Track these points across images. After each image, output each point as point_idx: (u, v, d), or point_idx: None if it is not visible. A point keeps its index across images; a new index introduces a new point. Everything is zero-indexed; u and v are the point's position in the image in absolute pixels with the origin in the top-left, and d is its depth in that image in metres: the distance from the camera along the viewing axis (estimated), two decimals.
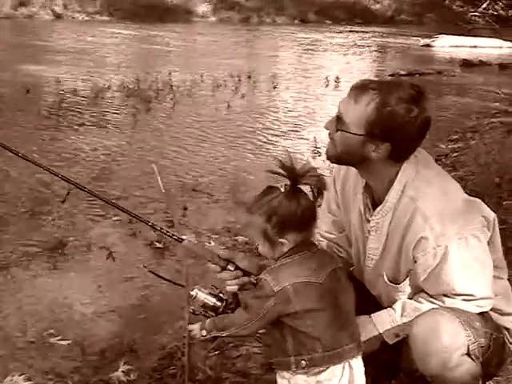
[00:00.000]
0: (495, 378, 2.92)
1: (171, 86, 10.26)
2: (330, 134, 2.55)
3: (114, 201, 2.82)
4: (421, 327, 2.42)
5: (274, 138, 7.87)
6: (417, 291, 2.57)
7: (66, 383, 3.16)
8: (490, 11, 25.77)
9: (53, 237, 4.74)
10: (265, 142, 7.66)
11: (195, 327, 2.46)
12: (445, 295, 2.49)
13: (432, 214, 2.45)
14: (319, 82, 11.32)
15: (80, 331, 3.60)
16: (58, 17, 19.64)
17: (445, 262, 2.45)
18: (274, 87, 10.89)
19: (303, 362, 2.31)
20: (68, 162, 6.49)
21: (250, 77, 11.25)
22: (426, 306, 2.51)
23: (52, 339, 3.50)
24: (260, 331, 2.49)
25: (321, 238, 2.84)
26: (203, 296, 2.51)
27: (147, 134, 7.82)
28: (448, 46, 17.52)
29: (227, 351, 3.38)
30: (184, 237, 2.61)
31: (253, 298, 2.36)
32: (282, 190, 2.31)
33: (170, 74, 10.98)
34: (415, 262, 2.51)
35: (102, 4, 20.43)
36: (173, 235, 2.59)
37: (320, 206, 2.66)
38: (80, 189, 2.69)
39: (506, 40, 18.05)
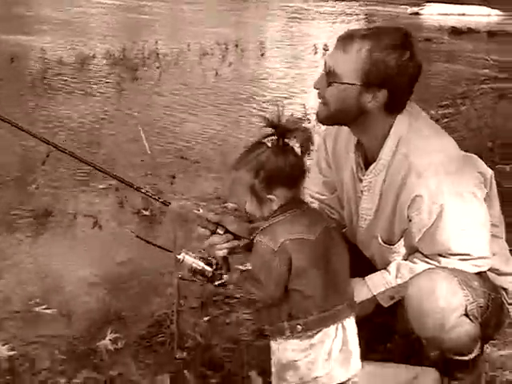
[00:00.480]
0: (492, 342, 2.86)
1: (157, 54, 10.09)
2: (319, 93, 2.45)
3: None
4: (416, 287, 2.34)
5: (264, 105, 7.74)
6: (412, 252, 2.50)
7: (52, 353, 3.08)
8: None
9: (38, 205, 4.63)
10: (254, 109, 7.54)
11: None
12: (440, 255, 2.42)
13: (426, 171, 2.37)
14: (307, 49, 11.17)
15: (66, 300, 3.52)
16: None
17: (440, 220, 2.37)
18: (262, 55, 10.75)
19: (298, 326, 2.23)
20: (53, 129, 6.35)
21: (237, 45, 11.09)
22: (420, 266, 2.43)
23: (37, 308, 3.41)
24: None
25: (312, 200, 2.76)
26: (191, 260, 2.42)
27: (134, 101, 7.67)
28: (436, 14, 17.37)
29: (217, 318, 3.32)
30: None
31: (257, 267, 2.24)
32: (269, 145, 2.22)
33: (156, 42, 10.77)
34: (410, 221, 2.43)
35: None
36: (159, 198, 2.50)
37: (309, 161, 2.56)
38: (61, 151, 2.60)
39: (494, 8, 17.97)
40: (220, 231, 2.46)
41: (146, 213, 4.55)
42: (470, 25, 15.12)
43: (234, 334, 3.20)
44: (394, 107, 2.42)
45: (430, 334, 2.36)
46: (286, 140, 2.22)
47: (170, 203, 2.47)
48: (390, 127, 2.44)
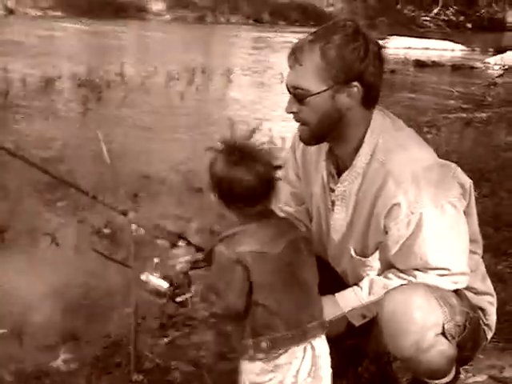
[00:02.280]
0: (465, 367, 2.73)
1: (123, 77, 9.98)
2: (294, 116, 2.33)
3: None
4: (391, 303, 2.20)
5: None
6: (387, 268, 2.36)
7: (0, 375, 2.88)
8: (442, 16, 26.03)
9: None
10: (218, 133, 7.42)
11: None
12: (417, 269, 2.29)
13: (406, 179, 2.24)
14: (274, 76, 11.14)
15: (18, 319, 3.31)
16: (11, 12, 19.19)
17: (418, 231, 2.24)
18: (229, 81, 10.69)
19: (263, 343, 2.06)
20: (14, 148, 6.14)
21: (203, 71, 11.03)
22: (395, 282, 2.30)
23: None
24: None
25: (278, 211, 2.61)
26: (154, 280, 2.28)
27: (97, 123, 7.51)
28: (401, 48, 17.58)
29: (177, 339, 3.14)
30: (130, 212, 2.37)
31: (218, 279, 2.08)
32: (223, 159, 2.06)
33: (122, 65, 10.68)
34: (386, 232, 2.30)
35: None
36: (116, 207, 2.35)
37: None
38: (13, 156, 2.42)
39: (458, 43, 18.29)
40: (181, 243, 2.31)
41: (107, 231, 4.37)
42: (434, 58, 15.37)
43: (195, 356, 3.03)
44: (370, 99, 2.30)
45: (406, 353, 2.22)
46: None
47: (127, 212, 2.32)
48: (365, 132, 2.32)
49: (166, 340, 3.11)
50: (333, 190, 2.42)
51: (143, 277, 2.28)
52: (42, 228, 4.39)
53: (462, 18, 26.32)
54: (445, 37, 19.63)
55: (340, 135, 2.34)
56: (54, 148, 6.29)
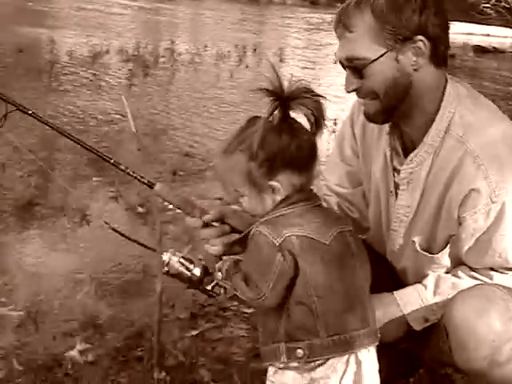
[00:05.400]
0: None
1: (172, 53, 9.71)
2: (358, 94, 1.99)
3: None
4: (463, 307, 1.85)
5: None
6: (457, 265, 2.01)
7: (10, 363, 2.60)
8: (502, 4, 25.48)
9: (22, 195, 4.18)
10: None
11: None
12: (493, 269, 1.94)
13: (487, 161, 1.89)
14: (328, 57, 10.76)
15: (37, 301, 3.06)
16: None
17: (499, 223, 1.90)
18: (281, 60, 10.33)
19: (299, 350, 1.72)
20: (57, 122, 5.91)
21: (255, 50, 10.71)
22: (466, 282, 1.96)
23: (2, 309, 2.95)
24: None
25: (329, 193, 2.29)
26: (177, 262, 1.95)
27: (142, 98, 7.24)
28: (461, 33, 17.03)
29: (207, 332, 2.84)
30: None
31: (251, 264, 1.75)
32: (270, 119, 1.73)
33: (172, 42, 10.42)
34: (460, 224, 1.94)
35: None
36: (142, 177, 2.03)
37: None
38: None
39: None
40: (215, 223, 1.98)
41: (142, 210, 4.09)
42: (494, 44, 14.88)
43: (225, 353, 2.72)
44: (440, 55, 1.95)
45: (477, 366, 1.86)
46: (292, 112, 1.74)
47: (154, 184, 2.00)
48: (439, 104, 1.96)
49: (194, 333, 2.80)
50: (397, 171, 2.07)
51: (165, 257, 1.95)
52: (74, 204, 4.14)
53: None
54: (506, 24, 19.02)
55: (411, 107, 1.98)
56: (95, 125, 6.01)
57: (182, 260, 1.95)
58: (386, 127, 2.08)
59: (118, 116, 6.30)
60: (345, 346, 1.72)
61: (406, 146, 2.05)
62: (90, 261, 3.48)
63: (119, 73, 8.44)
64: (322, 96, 1.74)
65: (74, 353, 2.62)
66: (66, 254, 3.57)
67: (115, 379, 2.55)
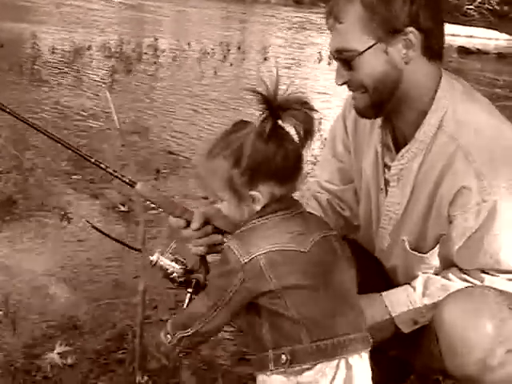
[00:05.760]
0: None
1: (156, 50, 9.62)
2: (349, 86, 1.93)
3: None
4: (453, 310, 1.80)
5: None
6: (447, 266, 1.95)
7: None
8: (486, 5, 25.58)
9: (1, 192, 4.09)
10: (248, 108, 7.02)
11: (161, 335, 1.84)
12: (484, 271, 1.89)
13: (479, 158, 1.83)
14: (312, 57, 10.72)
15: (15, 300, 2.96)
16: None
17: (490, 224, 1.84)
18: (265, 59, 10.27)
19: (283, 356, 1.67)
20: (36, 119, 5.80)
21: (239, 48, 10.65)
22: (457, 284, 1.90)
23: None
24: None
25: (319, 190, 2.23)
26: (167, 263, 1.89)
27: (125, 94, 7.14)
28: (445, 34, 17.11)
29: None
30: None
31: (214, 276, 1.76)
32: (257, 126, 1.67)
33: (156, 39, 10.32)
34: (450, 222, 1.89)
35: None
36: (123, 176, 1.96)
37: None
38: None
39: (503, 33, 17.87)
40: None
41: (124, 208, 4.01)
42: (478, 46, 14.93)
43: (209, 356, 2.65)
44: (433, 48, 1.89)
45: (469, 372, 1.80)
46: (281, 122, 1.68)
47: (135, 183, 1.93)
48: (432, 99, 1.91)
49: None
50: (388, 168, 2.01)
51: (154, 258, 1.90)
52: (54, 202, 4.05)
53: (506, 7, 25.82)
54: (489, 25, 19.11)
55: (402, 101, 1.92)
56: (76, 120, 5.92)
57: (168, 261, 1.90)
58: (379, 121, 2.02)
59: (100, 112, 6.22)
60: (333, 351, 1.67)
61: (398, 142, 2.00)
62: (69, 260, 3.39)
63: (102, 69, 8.35)
64: (314, 109, 1.67)
65: (53, 355, 2.54)
66: (45, 252, 3.48)
67: (96, 383, 2.48)
